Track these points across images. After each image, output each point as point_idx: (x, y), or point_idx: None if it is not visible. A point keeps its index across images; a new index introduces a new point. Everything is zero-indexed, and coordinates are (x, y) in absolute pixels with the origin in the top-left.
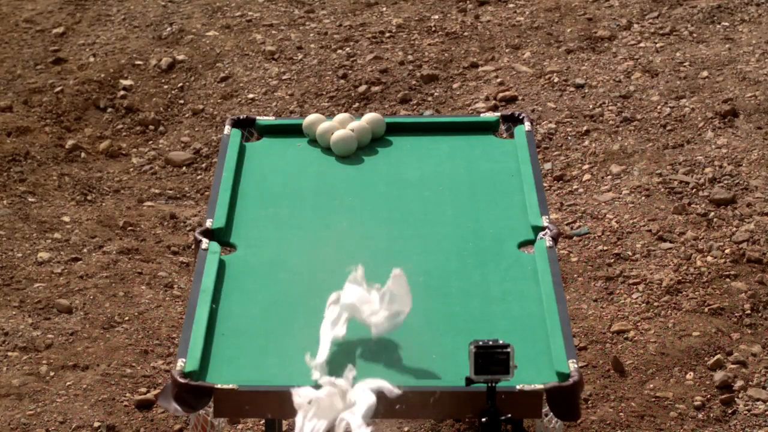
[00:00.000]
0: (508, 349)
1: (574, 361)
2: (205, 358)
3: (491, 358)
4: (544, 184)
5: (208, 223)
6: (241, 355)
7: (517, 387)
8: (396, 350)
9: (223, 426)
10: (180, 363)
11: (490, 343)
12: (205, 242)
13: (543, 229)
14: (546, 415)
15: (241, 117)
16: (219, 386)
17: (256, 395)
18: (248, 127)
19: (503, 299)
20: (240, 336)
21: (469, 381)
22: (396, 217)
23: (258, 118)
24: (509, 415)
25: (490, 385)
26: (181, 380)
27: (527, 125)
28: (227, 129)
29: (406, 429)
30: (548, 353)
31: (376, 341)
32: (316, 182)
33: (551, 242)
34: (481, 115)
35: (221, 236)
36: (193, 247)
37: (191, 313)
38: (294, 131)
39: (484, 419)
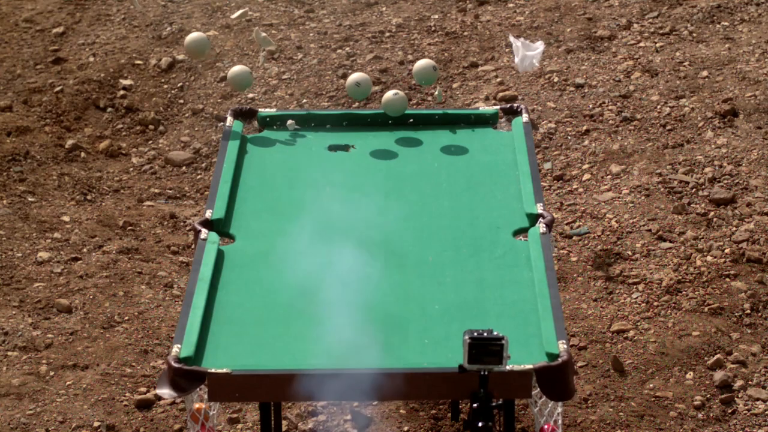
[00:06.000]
0: (502, 341)
1: (564, 341)
2: (201, 344)
3: (485, 349)
4: (544, 184)
5: (208, 214)
6: (236, 342)
7: (507, 367)
8: (391, 335)
9: (219, 423)
10: (175, 348)
11: (485, 334)
12: (204, 232)
13: (538, 216)
14: (540, 398)
15: (244, 108)
16: (213, 370)
17: (250, 379)
18: (249, 118)
19: (497, 286)
20: (236, 324)
21: (462, 369)
22: (393, 208)
23: (260, 110)
24: (500, 401)
25: (482, 373)
26: (175, 365)
27: (525, 117)
28: (229, 120)
29: (405, 429)
30: (539, 335)
31: (372, 326)
32: (316, 174)
33: (545, 229)
34: (480, 108)
35: (220, 227)
36: (192, 237)
37: (188, 300)
38: (300, 124)
39: (475, 405)
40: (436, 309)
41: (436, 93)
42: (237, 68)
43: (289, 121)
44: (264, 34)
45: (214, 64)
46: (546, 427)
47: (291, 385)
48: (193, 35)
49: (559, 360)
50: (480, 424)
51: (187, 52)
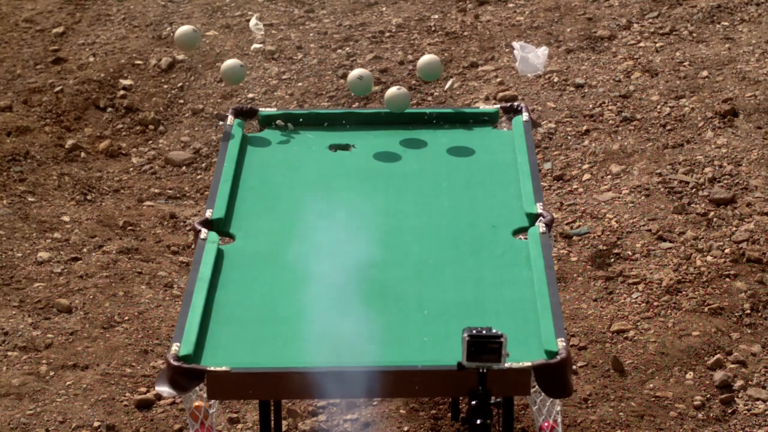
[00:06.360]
0: (501, 339)
1: (563, 339)
2: (200, 343)
3: (483, 347)
4: (544, 184)
5: (208, 213)
6: (235, 341)
7: (506, 365)
8: (390, 333)
9: (219, 423)
10: (175, 347)
11: (484, 332)
12: (204, 232)
13: (538, 216)
14: (539, 396)
15: (244, 107)
16: (211, 368)
17: (249, 377)
18: (249, 118)
19: (496, 284)
20: (235, 322)
21: (460, 366)
22: (393, 208)
23: (260, 109)
24: (499, 399)
25: (481, 371)
26: (174, 363)
27: (525, 116)
28: (229, 119)
29: (405, 429)
30: (538, 333)
31: (372, 324)
32: (316, 173)
33: (545, 228)
34: (481, 106)
35: (220, 226)
36: (192, 237)
37: (188, 299)
38: (296, 123)
39: (474, 402)
40: (435, 307)
41: (448, 84)
42: (229, 62)
43: (278, 121)
44: (258, 22)
45: (214, 64)
46: (545, 424)
47: (290, 383)
48: (183, 29)
49: (558, 357)
50: (478, 422)
51: (177, 45)
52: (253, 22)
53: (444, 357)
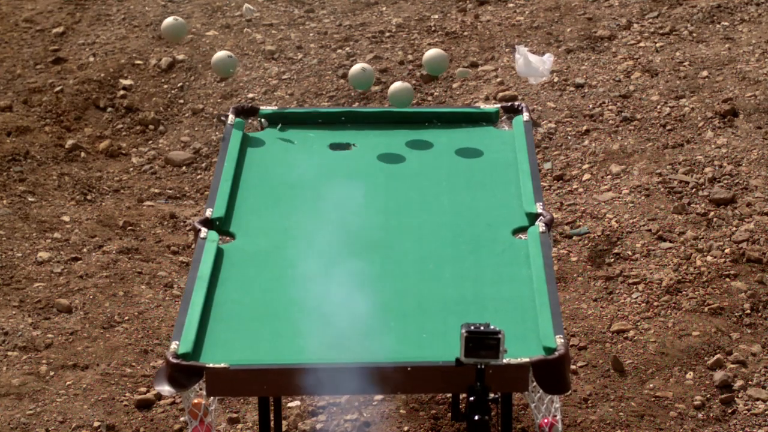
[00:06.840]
0: (499, 335)
1: (561, 336)
2: (199, 341)
3: (482, 343)
4: (544, 184)
5: (208, 213)
6: (234, 338)
7: (505, 361)
8: (389, 330)
9: (219, 423)
10: (174, 345)
11: (482, 328)
12: (203, 231)
13: (538, 215)
14: (536, 392)
15: (245, 106)
16: (210, 365)
17: (248, 374)
18: (251, 116)
19: (495, 282)
20: (234, 320)
21: (458, 362)
22: (393, 206)
23: (261, 108)
24: (497, 396)
25: (479, 367)
26: (173, 360)
27: (525, 115)
28: (231, 118)
29: (405, 429)
30: (536, 330)
31: (370, 321)
32: (316, 172)
33: (544, 228)
34: (481, 106)
35: (221, 225)
36: (192, 237)
37: (187, 298)
38: (296, 122)
39: (471, 398)
40: (434, 304)
41: (459, 71)
42: (217, 54)
43: (262, 120)
44: (251, 7)
45: None
46: (545, 421)
47: (289, 380)
48: (166, 21)
49: (556, 354)
50: (476, 418)
51: (165, 38)
52: (246, 6)
53: (442, 353)
